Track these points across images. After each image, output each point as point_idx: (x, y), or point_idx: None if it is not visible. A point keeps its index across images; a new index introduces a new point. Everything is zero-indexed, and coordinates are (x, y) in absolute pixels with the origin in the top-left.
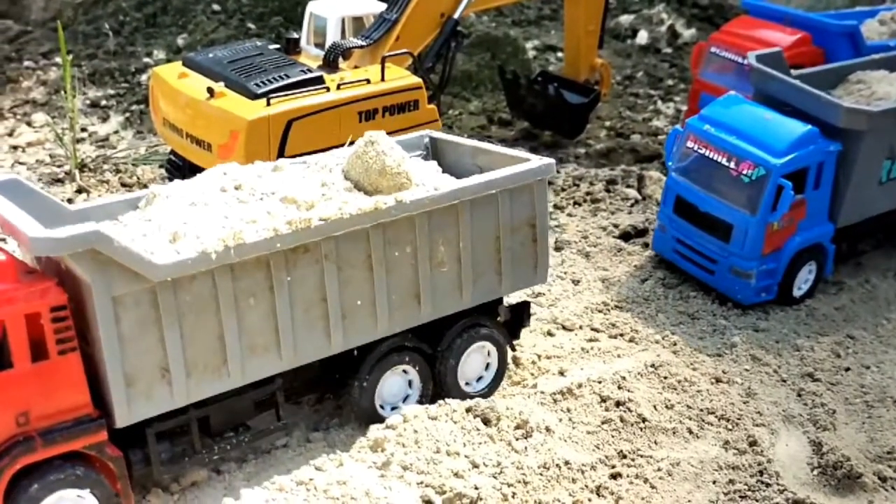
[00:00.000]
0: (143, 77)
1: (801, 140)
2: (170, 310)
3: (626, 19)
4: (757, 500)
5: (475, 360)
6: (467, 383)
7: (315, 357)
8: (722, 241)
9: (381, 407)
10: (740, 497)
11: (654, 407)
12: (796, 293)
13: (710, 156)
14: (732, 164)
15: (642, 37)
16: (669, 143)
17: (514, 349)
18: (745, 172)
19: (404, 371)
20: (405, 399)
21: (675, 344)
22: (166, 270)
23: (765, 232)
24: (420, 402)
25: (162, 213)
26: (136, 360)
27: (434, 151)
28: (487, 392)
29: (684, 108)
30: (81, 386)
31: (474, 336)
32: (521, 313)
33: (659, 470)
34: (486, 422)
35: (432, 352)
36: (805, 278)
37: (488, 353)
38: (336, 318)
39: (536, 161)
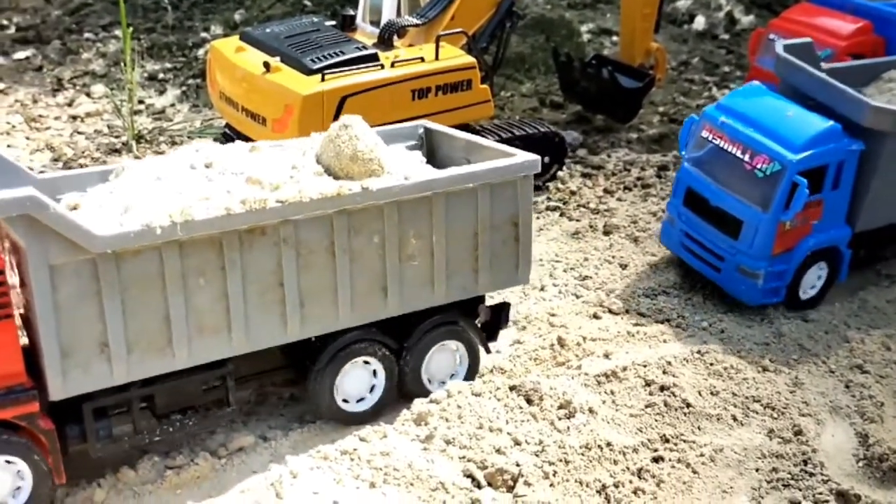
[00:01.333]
0: (200, 51)
1: (821, 136)
2: (111, 283)
3: (683, 4)
4: (800, 490)
5: (443, 360)
6: (438, 382)
7: (270, 343)
8: (731, 237)
9: (346, 401)
10: (783, 486)
11: (699, 393)
12: (803, 296)
13: (725, 147)
14: (747, 158)
15: (699, 22)
16: (684, 132)
17: (489, 351)
18: (759, 167)
19: (367, 363)
20: (371, 391)
21: (722, 331)
22: (106, 242)
23: (776, 231)
24: (383, 400)
25: (125, 186)
26: (73, 331)
27: (429, 142)
28: None
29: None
30: (15, 354)
31: (444, 334)
32: (500, 314)
33: (702, 455)
34: (530, 400)
35: (398, 347)
36: (813, 283)
37: (458, 353)
38: (293, 304)
39: (520, 157)
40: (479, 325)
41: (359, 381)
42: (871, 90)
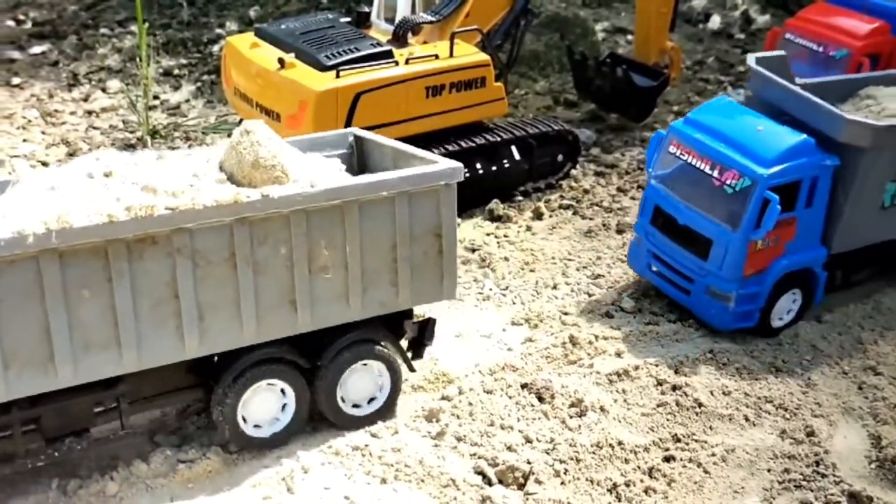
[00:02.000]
0: (216, 48)
1: (793, 150)
2: None
3: (698, 3)
4: (812, 491)
5: (362, 380)
6: (354, 405)
7: (166, 361)
8: (700, 258)
9: (256, 426)
10: (795, 486)
11: (711, 392)
12: (776, 323)
13: (693, 163)
14: (716, 173)
15: (715, 21)
16: (651, 148)
17: (412, 369)
18: (728, 182)
19: (273, 385)
20: (281, 412)
21: (734, 331)
22: None
23: (747, 250)
24: (294, 423)
25: (15, 196)
26: None
27: (360, 151)
28: (375, 416)
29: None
30: None
31: (362, 352)
32: (424, 330)
33: (713, 455)
34: (541, 398)
35: (312, 366)
36: (787, 307)
37: (378, 373)
38: (191, 318)
39: (441, 165)
40: (404, 343)
41: (266, 403)
42: (848, 107)
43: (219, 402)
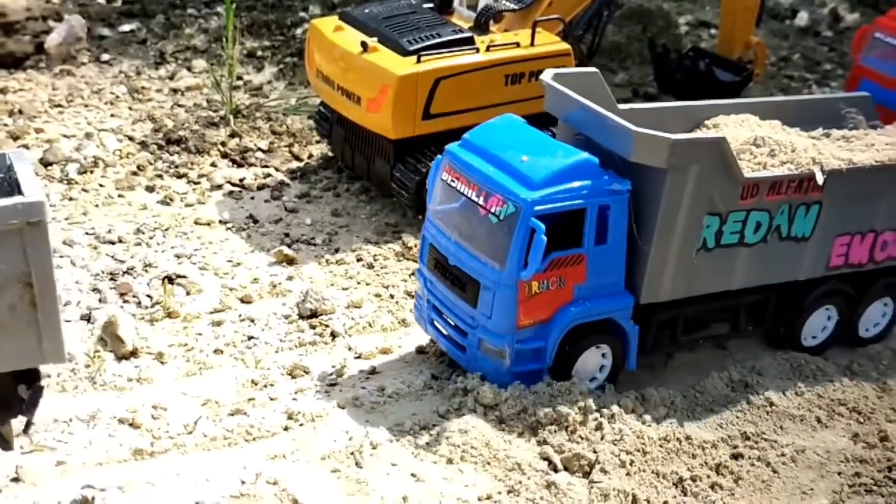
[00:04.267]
0: (298, 30)
1: (568, 171)
2: None
3: None
4: (883, 496)
5: None
6: None
7: None
8: (471, 305)
9: None
10: (865, 491)
11: (783, 392)
12: (582, 387)
13: (462, 190)
14: (481, 200)
15: (802, 18)
16: (432, 175)
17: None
18: (493, 210)
19: None
20: None
21: None
22: None
23: (517, 294)
24: None
25: None
26: None
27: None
28: None
29: (841, 93)
30: None
31: None
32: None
33: (783, 455)
34: (605, 388)
35: None
36: (594, 371)
37: None
38: None
39: (19, 198)
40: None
41: None
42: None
43: None
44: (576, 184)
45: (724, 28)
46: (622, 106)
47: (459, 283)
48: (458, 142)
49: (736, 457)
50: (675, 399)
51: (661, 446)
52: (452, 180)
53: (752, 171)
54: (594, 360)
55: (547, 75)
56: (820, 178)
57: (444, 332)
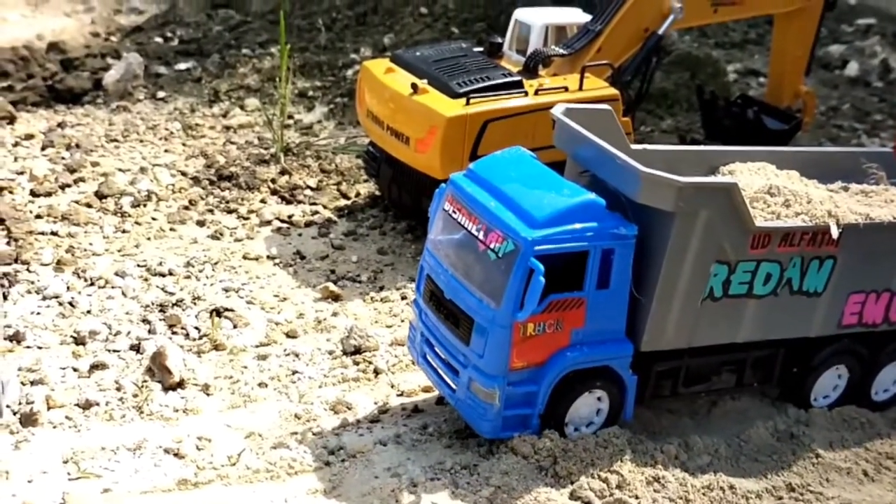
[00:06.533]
0: (349, 72)
1: (573, 211)
2: None
3: (836, 49)
4: None
5: None
6: None
7: None
8: (464, 342)
9: None
10: None
11: (830, 444)
12: (573, 434)
13: (463, 222)
14: (481, 235)
15: (852, 68)
16: (434, 205)
17: None
18: (492, 246)
19: None
20: None
21: None
22: None
23: (511, 335)
24: None
25: None
26: None
27: None
28: None
29: (891, 144)
30: None
31: None
32: None
33: None
34: (652, 436)
35: None
36: (588, 417)
37: None
38: None
39: None
40: None
41: None
42: None
43: None
44: (580, 225)
45: (774, 76)
46: (635, 147)
47: (453, 319)
48: (465, 171)
49: None
50: (719, 447)
51: (703, 494)
52: (454, 211)
53: (764, 220)
54: (589, 407)
55: (557, 109)
56: (835, 232)
57: (436, 366)
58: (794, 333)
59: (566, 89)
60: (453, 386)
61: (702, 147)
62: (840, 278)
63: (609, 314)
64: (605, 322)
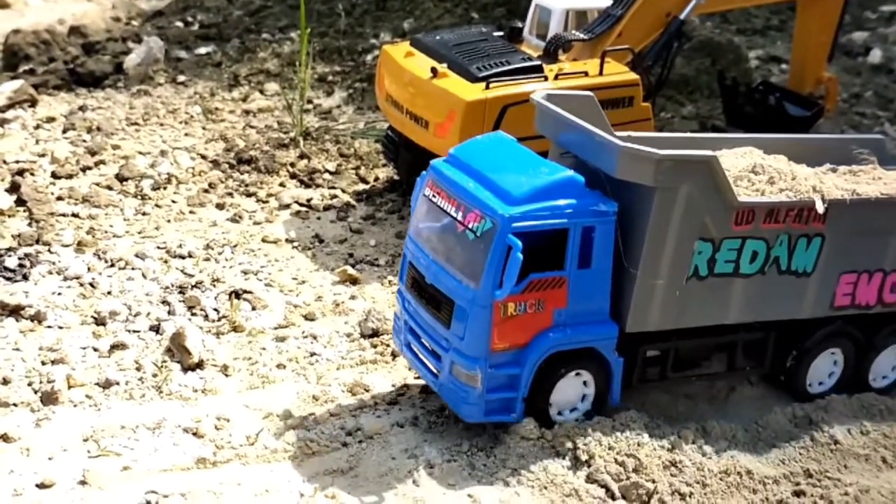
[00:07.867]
0: (369, 57)
1: (551, 188)
2: None
3: (859, 36)
4: None
5: None
6: None
7: None
8: (444, 325)
9: None
10: None
11: (849, 430)
12: (557, 418)
13: (442, 205)
14: (460, 216)
15: (875, 55)
16: (415, 191)
17: None
18: (470, 226)
19: None
20: None
21: None
22: None
23: (491, 315)
24: None
25: None
26: None
27: None
28: None
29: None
30: None
31: None
32: None
33: (846, 494)
34: (670, 421)
35: None
36: (574, 402)
37: None
38: None
39: None
40: None
41: None
42: None
43: None
44: (559, 202)
45: (796, 63)
46: (621, 133)
47: (435, 303)
48: (444, 157)
49: (798, 494)
50: (737, 433)
51: (721, 479)
52: (434, 196)
53: (748, 197)
54: (574, 390)
55: (538, 95)
56: (820, 207)
57: (420, 354)
58: (784, 315)
59: (586, 74)
60: (436, 371)
61: (689, 134)
62: (829, 257)
63: (592, 294)
64: (589, 302)
